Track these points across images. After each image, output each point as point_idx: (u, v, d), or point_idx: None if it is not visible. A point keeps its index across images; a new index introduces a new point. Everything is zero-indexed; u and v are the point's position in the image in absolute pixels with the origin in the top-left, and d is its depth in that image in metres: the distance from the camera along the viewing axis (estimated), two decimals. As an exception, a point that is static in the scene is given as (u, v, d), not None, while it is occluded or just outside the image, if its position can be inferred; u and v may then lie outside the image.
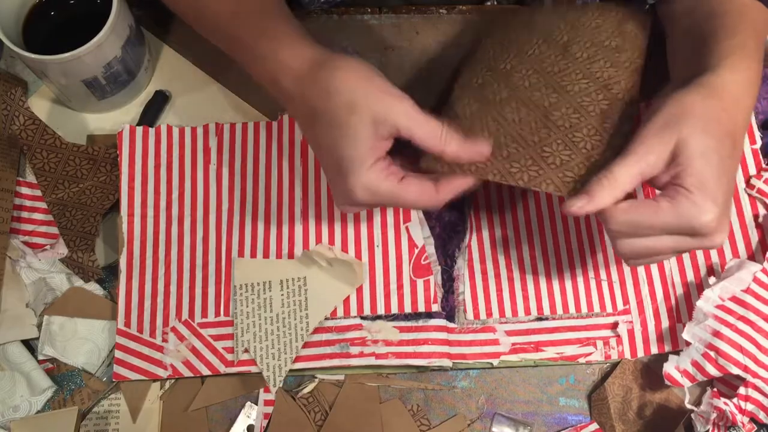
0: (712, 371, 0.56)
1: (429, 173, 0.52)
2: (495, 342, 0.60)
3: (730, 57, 0.53)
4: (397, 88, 0.51)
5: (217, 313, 0.60)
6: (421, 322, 0.59)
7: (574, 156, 0.52)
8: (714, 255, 0.62)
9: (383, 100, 0.49)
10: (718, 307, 0.58)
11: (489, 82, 0.57)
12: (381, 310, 0.60)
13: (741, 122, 0.53)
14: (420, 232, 0.62)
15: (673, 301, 0.61)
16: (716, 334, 0.56)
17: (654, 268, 0.62)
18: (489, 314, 0.61)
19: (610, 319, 0.60)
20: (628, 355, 0.60)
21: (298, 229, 0.62)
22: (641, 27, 0.60)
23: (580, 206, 0.48)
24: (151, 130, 0.65)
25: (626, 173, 0.48)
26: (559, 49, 0.57)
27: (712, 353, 0.56)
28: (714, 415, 0.55)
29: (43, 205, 0.63)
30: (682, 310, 0.61)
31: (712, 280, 0.59)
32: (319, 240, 0.62)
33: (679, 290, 0.61)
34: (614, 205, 0.48)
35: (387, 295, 0.60)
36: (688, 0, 0.60)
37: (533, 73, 0.56)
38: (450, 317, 0.60)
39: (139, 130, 0.64)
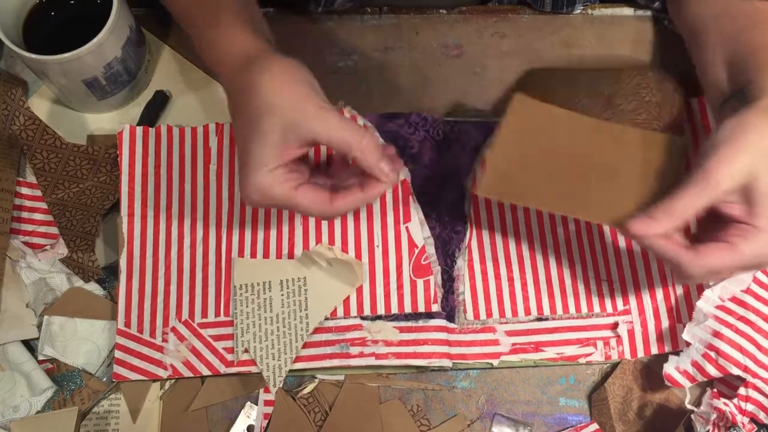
0: (712, 372, 0.56)
1: None
2: (495, 342, 0.60)
3: None
4: (321, 94, 0.51)
5: (217, 313, 0.60)
6: (421, 322, 0.59)
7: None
8: (714, 255, 0.62)
9: (300, 108, 0.49)
10: (718, 307, 0.58)
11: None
12: (381, 310, 0.60)
13: None
14: (420, 232, 0.62)
15: (673, 302, 0.61)
16: (716, 334, 0.56)
17: (654, 268, 0.62)
18: (489, 314, 0.61)
19: (610, 320, 0.60)
20: (628, 355, 0.60)
21: (298, 229, 0.62)
22: (678, 85, 0.63)
23: (640, 227, 0.49)
24: (151, 130, 0.65)
25: (688, 204, 0.48)
26: (603, 100, 0.60)
27: (712, 354, 0.56)
28: (714, 416, 0.55)
29: (43, 205, 0.63)
30: (682, 310, 0.61)
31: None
32: (319, 240, 0.62)
33: (679, 290, 0.61)
34: (694, 252, 0.49)
35: (387, 295, 0.60)
36: (718, 4, 0.60)
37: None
38: (450, 317, 0.60)
39: (139, 130, 0.64)
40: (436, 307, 0.60)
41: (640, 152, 0.55)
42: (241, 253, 0.62)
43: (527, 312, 0.61)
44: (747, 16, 0.58)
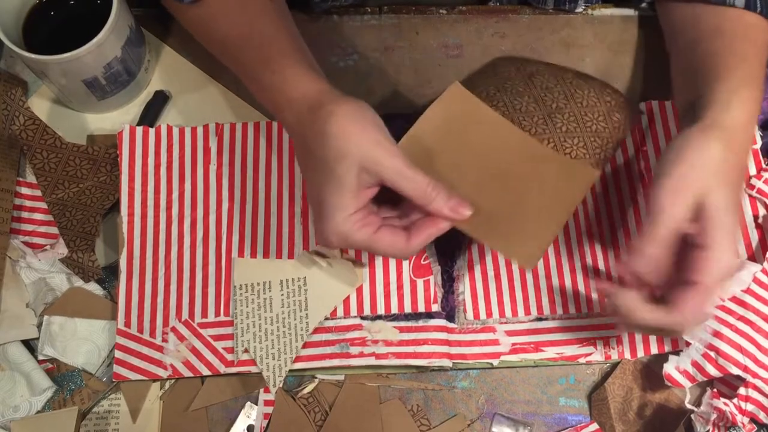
0: (712, 371, 0.56)
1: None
2: (495, 342, 0.60)
3: (741, 90, 0.53)
4: (390, 138, 0.51)
5: (217, 313, 0.60)
6: (421, 322, 0.59)
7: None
8: (714, 255, 0.62)
9: (373, 152, 0.50)
10: (718, 307, 0.58)
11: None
12: (381, 310, 0.60)
13: (747, 159, 0.54)
14: (420, 232, 0.62)
15: (673, 302, 0.61)
16: (716, 334, 0.56)
17: (654, 268, 0.62)
18: (489, 314, 0.61)
19: (610, 319, 0.60)
20: (628, 355, 0.60)
21: (298, 229, 0.62)
22: (627, 120, 0.62)
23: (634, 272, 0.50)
24: (151, 130, 0.65)
25: (655, 243, 0.49)
26: (546, 112, 0.60)
27: (712, 353, 0.56)
28: (714, 416, 0.55)
29: (43, 205, 0.63)
30: (682, 310, 0.61)
31: (712, 280, 0.59)
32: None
33: (679, 290, 0.61)
34: (672, 311, 0.49)
35: (387, 295, 0.60)
36: (690, 8, 0.60)
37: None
38: (450, 317, 0.60)
39: (139, 130, 0.64)
40: (436, 307, 0.60)
41: (550, 174, 0.55)
42: (241, 253, 0.62)
43: (527, 312, 0.61)
44: (712, 24, 0.58)
